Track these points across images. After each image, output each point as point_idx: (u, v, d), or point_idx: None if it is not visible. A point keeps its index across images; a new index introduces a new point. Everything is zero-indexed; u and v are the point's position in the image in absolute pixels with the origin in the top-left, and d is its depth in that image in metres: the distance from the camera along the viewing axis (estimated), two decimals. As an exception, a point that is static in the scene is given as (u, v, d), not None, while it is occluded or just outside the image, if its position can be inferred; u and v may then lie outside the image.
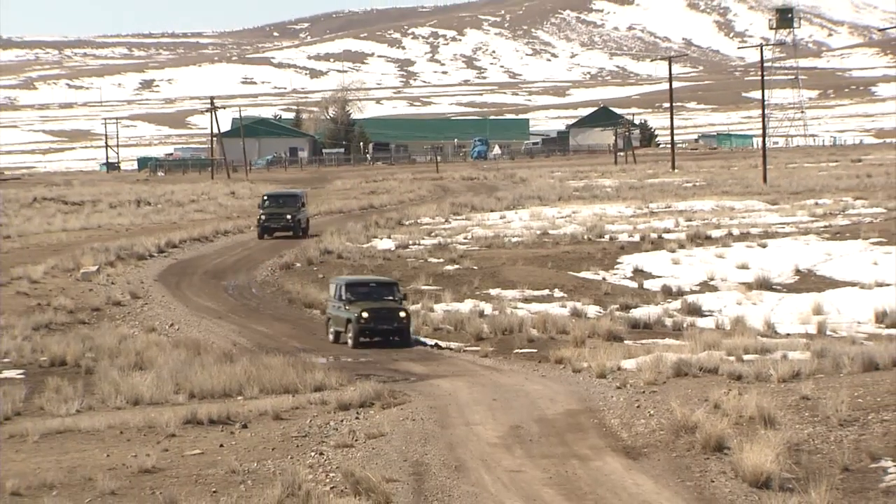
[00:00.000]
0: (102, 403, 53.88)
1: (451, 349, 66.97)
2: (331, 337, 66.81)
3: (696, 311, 74.58)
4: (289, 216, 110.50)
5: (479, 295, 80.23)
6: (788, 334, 67.17)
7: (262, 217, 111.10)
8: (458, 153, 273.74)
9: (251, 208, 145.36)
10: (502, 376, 57.00)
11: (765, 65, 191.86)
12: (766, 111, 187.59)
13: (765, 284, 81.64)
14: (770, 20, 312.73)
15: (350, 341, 64.58)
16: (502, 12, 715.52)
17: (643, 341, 64.46)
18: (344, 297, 65.37)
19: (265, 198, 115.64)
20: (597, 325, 69.40)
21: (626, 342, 64.53)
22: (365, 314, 63.94)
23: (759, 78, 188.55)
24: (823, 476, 36.93)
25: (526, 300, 78.39)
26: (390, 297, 66.12)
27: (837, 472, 37.53)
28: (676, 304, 76.80)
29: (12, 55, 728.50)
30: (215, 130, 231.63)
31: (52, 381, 56.97)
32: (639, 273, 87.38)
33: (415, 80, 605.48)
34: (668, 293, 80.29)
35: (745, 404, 44.24)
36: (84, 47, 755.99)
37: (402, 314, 65.12)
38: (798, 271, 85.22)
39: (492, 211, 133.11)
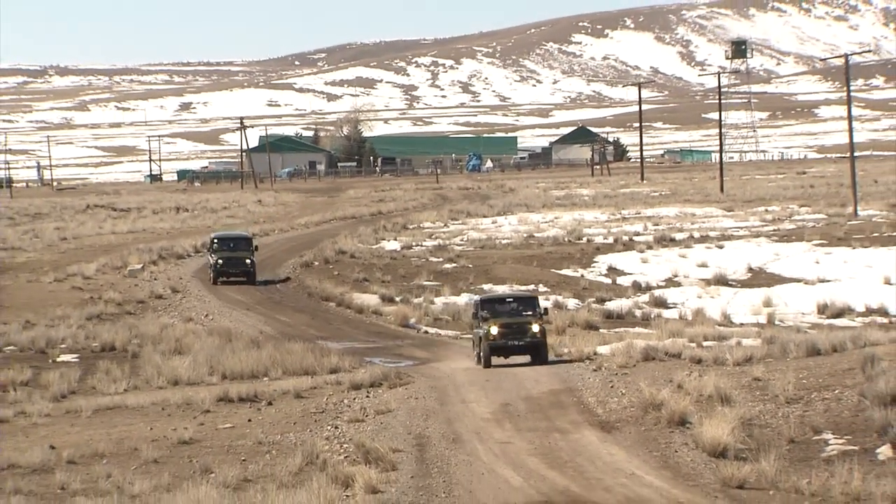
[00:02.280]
0: (146, 383, 53.98)
1: (448, 336, 67.04)
2: (474, 359, 55.23)
3: (661, 303, 74.66)
4: (247, 260, 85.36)
5: (473, 290, 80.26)
6: (742, 324, 67.23)
7: (219, 262, 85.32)
8: (455, 166, 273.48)
9: (276, 214, 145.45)
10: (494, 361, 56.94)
11: (722, 90, 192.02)
12: (723, 130, 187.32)
13: (721, 280, 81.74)
14: (726, 51, 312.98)
15: (482, 360, 53.86)
16: (494, 44, 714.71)
17: (616, 330, 64.55)
18: (480, 315, 54.26)
19: (215, 240, 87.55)
20: (576, 315, 69.50)
21: (601, 331, 64.59)
22: (494, 330, 53.07)
23: (717, 101, 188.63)
24: (772, 447, 36.92)
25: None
26: (529, 313, 54.46)
27: (784, 444, 37.53)
28: (645, 297, 76.89)
29: (69, 81, 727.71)
30: (244, 146, 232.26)
31: (103, 364, 57.06)
32: (612, 270, 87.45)
33: (418, 102, 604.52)
34: (637, 288, 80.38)
35: (705, 385, 44.26)
36: (130, 74, 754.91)
37: (536, 328, 53.55)
38: (750, 269, 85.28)
39: (485, 217, 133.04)
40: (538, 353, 53.43)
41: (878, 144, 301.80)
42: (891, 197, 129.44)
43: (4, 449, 42.04)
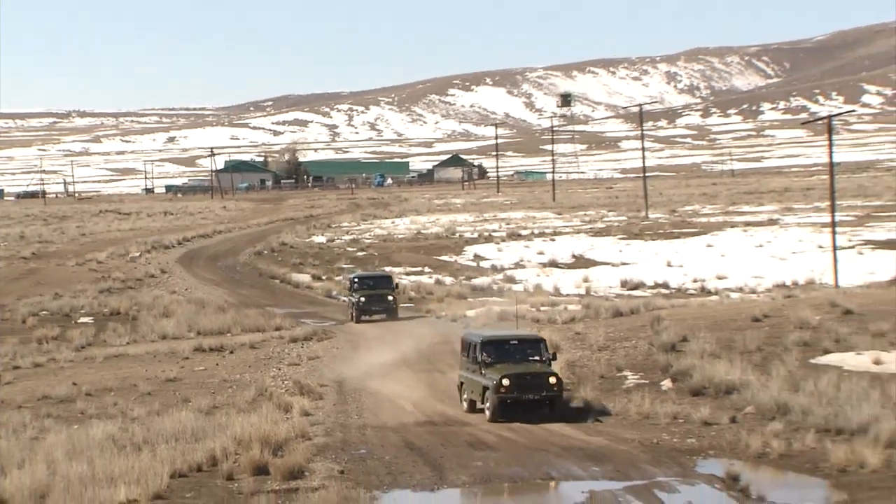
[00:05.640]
0: (143, 338, 53.68)
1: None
2: (464, 405, 34.56)
3: (511, 280, 74.97)
4: (389, 297, 58.75)
5: (375, 269, 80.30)
6: (568, 294, 67.66)
7: (361, 300, 58.08)
8: (365, 183, 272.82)
9: (236, 217, 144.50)
10: (394, 322, 57.02)
11: (553, 129, 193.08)
12: (554, 157, 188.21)
13: (553, 264, 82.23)
14: (557, 101, 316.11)
15: (488, 413, 32.94)
16: (393, 95, 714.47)
17: (480, 299, 64.77)
18: (480, 359, 33.60)
19: (356, 279, 59.97)
20: (451, 289, 69.65)
21: (469, 299, 64.76)
22: (506, 381, 32.58)
23: (550, 137, 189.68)
24: (588, 381, 37.22)
25: (407, 273, 78.52)
26: (536, 357, 33.87)
27: (597, 379, 37.83)
28: (500, 276, 77.16)
29: (87, 121, 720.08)
30: (214, 168, 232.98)
31: (111, 325, 56.75)
32: (477, 257, 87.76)
33: (338, 137, 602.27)
34: (494, 269, 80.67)
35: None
36: (131, 116, 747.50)
37: (553, 380, 32.93)
38: (574, 255, 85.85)
39: (386, 218, 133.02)
40: (554, 406, 32.96)
41: (662, 167, 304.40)
42: (671, 205, 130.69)
43: (40, 385, 41.74)
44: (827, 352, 39.25)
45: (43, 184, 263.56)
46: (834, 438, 28.99)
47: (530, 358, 33.69)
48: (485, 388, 33.00)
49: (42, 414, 35.88)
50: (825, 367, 37.03)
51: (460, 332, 42.52)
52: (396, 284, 60.54)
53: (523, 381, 32.61)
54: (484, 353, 33.57)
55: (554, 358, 34.21)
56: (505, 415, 32.48)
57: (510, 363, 33.32)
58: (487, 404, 32.93)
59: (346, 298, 62.14)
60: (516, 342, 34.31)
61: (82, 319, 60.10)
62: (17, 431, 32.21)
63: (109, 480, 24.43)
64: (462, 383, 34.91)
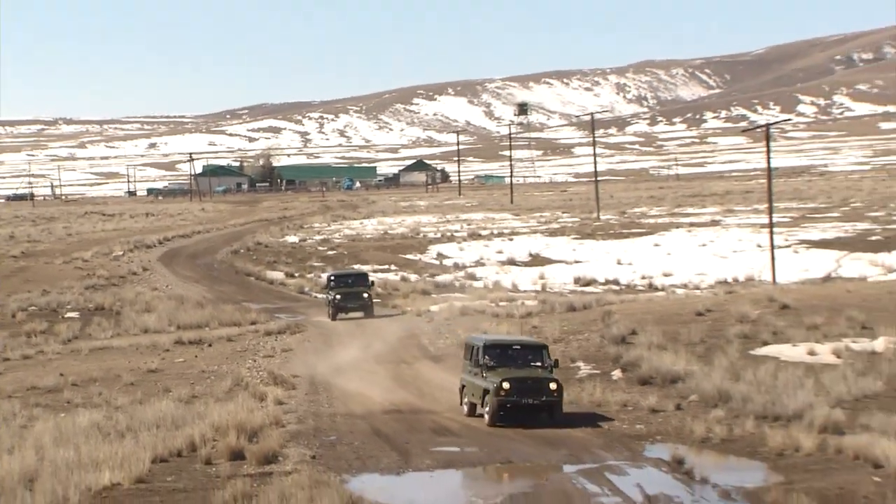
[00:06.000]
0: (126, 332, 53.37)
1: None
2: (465, 409, 32.33)
3: (472, 277, 74.96)
4: (364, 294, 57.15)
5: (348, 268, 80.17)
6: (525, 290, 67.75)
7: (337, 297, 56.53)
8: (335, 186, 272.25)
9: (214, 218, 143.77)
10: (362, 317, 56.82)
11: (511, 136, 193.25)
12: (512, 162, 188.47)
13: (512, 262, 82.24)
14: (514, 110, 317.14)
15: (487, 417, 30.83)
16: (361, 104, 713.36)
17: (443, 295, 64.78)
18: (482, 363, 31.43)
19: (332, 277, 58.82)
20: (415, 286, 69.60)
21: (432, 295, 64.76)
22: (506, 385, 30.41)
23: (508, 143, 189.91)
24: (544, 371, 37.23)
25: (374, 271, 78.44)
26: (538, 363, 31.57)
27: (552, 369, 37.85)
28: (461, 273, 77.14)
29: (73, 128, 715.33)
30: (192, 172, 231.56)
31: (96, 319, 56.38)
32: (440, 255, 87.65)
33: (310, 143, 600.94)
34: (456, 267, 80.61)
35: (500, 331, 44.58)
36: (115, 123, 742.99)
37: (553, 385, 30.60)
38: (530, 254, 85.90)
39: (355, 219, 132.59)
40: (554, 412, 30.70)
41: (613, 172, 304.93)
42: (621, 207, 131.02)
43: (29, 376, 41.47)
44: (765, 343, 39.49)
45: (31, 187, 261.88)
46: (772, 424, 29.16)
47: (532, 364, 31.32)
48: (485, 392, 30.67)
49: (31, 403, 35.64)
50: (763, 357, 37.25)
51: (428, 327, 42.58)
52: (372, 282, 59.24)
53: (524, 385, 30.29)
54: (486, 357, 31.26)
55: (556, 365, 31.81)
56: (504, 419, 30.17)
57: (512, 368, 30.97)
58: (486, 408, 30.62)
59: (323, 296, 61.24)
60: (519, 347, 32.08)
61: (69, 314, 59.71)
62: (7, 420, 32.01)
63: (94, 465, 24.35)
64: (463, 386, 32.46)
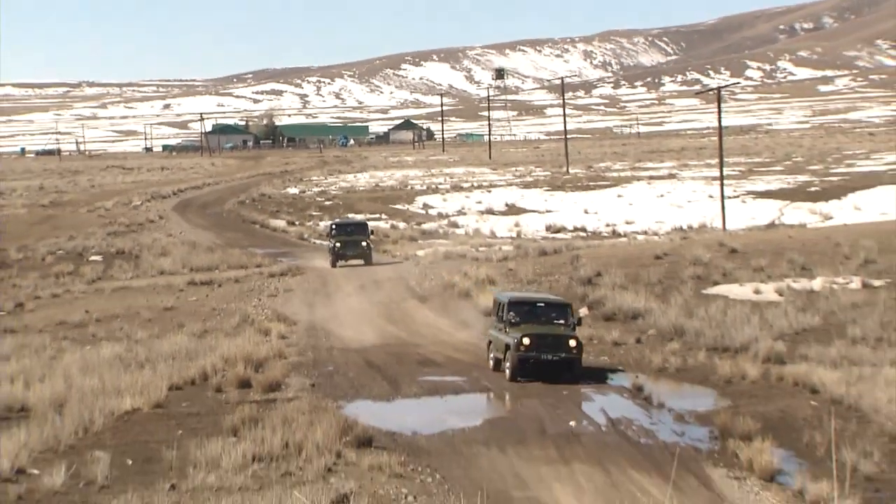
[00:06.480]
0: (144, 273, 53.17)
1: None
2: (490, 363, 29.35)
3: (455, 225, 74.89)
4: (363, 243, 54.05)
5: (348, 216, 79.91)
6: (502, 237, 67.74)
7: (337, 245, 53.82)
8: (332, 143, 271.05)
9: (222, 172, 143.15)
10: (362, 265, 56.51)
11: (489, 98, 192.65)
12: (490, 122, 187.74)
13: (490, 211, 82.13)
14: (492, 75, 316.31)
15: (507, 372, 28.06)
16: (354, 70, 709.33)
17: (428, 241, 64.71)
18: (506, 318, 28.60)
19: (334, 226, 55.81)
20: (404, 233, 69.48)
21: (419, 241, 64.69)
22: (526, 340, 27.66)
23: (487, 105, 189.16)
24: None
25: (367, 220, 78.11)
26: (561, 321, 28.60)
27: (526, 307, 37.89)
28: (445, 221, 77.04)
29: (95, 90, 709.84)
30: (203, 131, 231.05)
31: (117, 262, 56.15)
32: (426, 206, 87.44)
33: (308, 105, 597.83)
34: (440, 216, 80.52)
35: (480, 273, 44.59)
36: (134, 86, 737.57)
37: (573, 342, 27.73)
38: (507, 205, 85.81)
39: (349, 173, 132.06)
40: (572, 368, 27.72)
41: (581, 130, 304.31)
42: (588, 162, 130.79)
43: (57, 313, 41.37)
44: (716, 284, 39.60)
45: (58, 143, 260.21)
46: (721, 355, 29.31)
47: (556, 321, 28.48)
48: (507, 347, 28.01)
49: (59, 336, 35.59)
50: (714, 296, 37.36)
51: (415, 270, 42.47)
52: (372, 231, 56.38)
53: (543, 341, 27.53)
54: (511, 313, 28.52)
55: (579, 323, 29.14)
56: (525, 374, 27.39)
57: (535, 324, 28.24)
58: (508, 363, 27.96)
59: (322, 242, 60.42)
60: (543, 305, 29.18)
61: (93, 257, 59.48)
62: (38, 351, 31.98)
63: (117, 392, 24.38)
64: (490, 342, 29.62)
